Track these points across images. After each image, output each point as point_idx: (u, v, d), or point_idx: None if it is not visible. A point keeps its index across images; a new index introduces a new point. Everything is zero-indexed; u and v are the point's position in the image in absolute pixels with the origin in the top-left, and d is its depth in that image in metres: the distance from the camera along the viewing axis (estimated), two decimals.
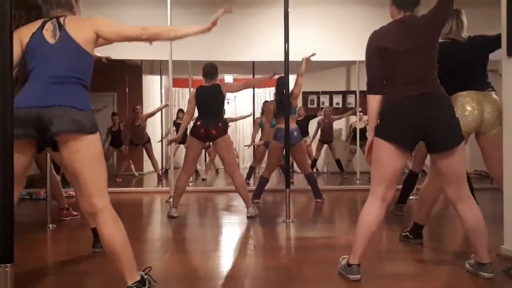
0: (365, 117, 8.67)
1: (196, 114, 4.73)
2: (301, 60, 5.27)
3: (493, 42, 3.07)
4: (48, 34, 2.13)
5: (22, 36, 2.13)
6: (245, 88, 5.25)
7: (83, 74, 2.15)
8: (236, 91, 5.13)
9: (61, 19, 2.16)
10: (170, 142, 5.63)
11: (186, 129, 5.04)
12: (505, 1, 2.83)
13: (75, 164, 2.07)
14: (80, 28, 2.14)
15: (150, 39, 2.19)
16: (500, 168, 2.93)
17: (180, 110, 9.52)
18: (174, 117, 8.74)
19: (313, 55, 5.19)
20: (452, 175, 2.47)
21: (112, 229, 2.09)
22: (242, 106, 11.70)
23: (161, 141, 9.34)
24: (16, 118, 1.96)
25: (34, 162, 4.36)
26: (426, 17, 2.49)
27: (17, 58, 2.08)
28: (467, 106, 3.12)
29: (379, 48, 2.48)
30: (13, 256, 1.87)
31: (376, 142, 2.51)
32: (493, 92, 3.19)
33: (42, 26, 2.15)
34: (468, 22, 3.30)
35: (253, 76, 8.92)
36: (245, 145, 10.49)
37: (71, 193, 6.00)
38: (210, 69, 4.74)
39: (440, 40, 2.59)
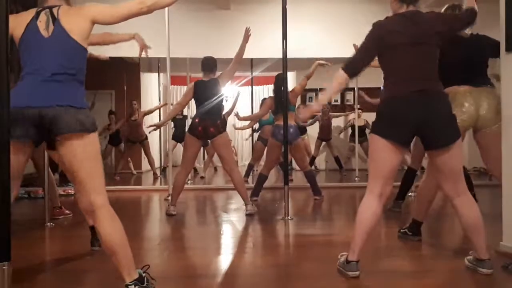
0: (364, 114, 8.69)
1: (193, 111, 4.68)
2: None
3: (497, 49, 2.97)
4: (42, 26, 2.07)
5: (16, 25, 2.07)
6: (237, 63, 4.71)
7: (78, 69, 2.11)
8: (233, 73, 4.67)
9: (55, 10, 2.10)
10: (153, 125, 5.20)
11: (184, 126, 4.97)
12: None
13: (74, 162, 2.07)
14: (74, 20, 2.09)
15: (150, 10, 2.09)
16: (497, 164, 2.92)
17: None
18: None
19: (326, 64, 5.20)
20: (449, 171, 2.47)
21: (110, 227, 2.09)
22: (240, 103, 11.65)
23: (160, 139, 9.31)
24: (15, 118, 1.94)
25: (31, 161, 4.34)
26: (436, 19, 2.47)
27: None
28: (464, 102, 3.11)
29: (381, 37, 2.45)
30: (10, 254, 1.87)
31: (373, 138, 2.51)
32: (492, 89, 3.19)
33: (36, 17, 2.09)
34: None
35: (251, 74, 8.90)
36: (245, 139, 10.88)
37: (70, 191, 6.02)
38: (209, 62, 4.68)
39: None
